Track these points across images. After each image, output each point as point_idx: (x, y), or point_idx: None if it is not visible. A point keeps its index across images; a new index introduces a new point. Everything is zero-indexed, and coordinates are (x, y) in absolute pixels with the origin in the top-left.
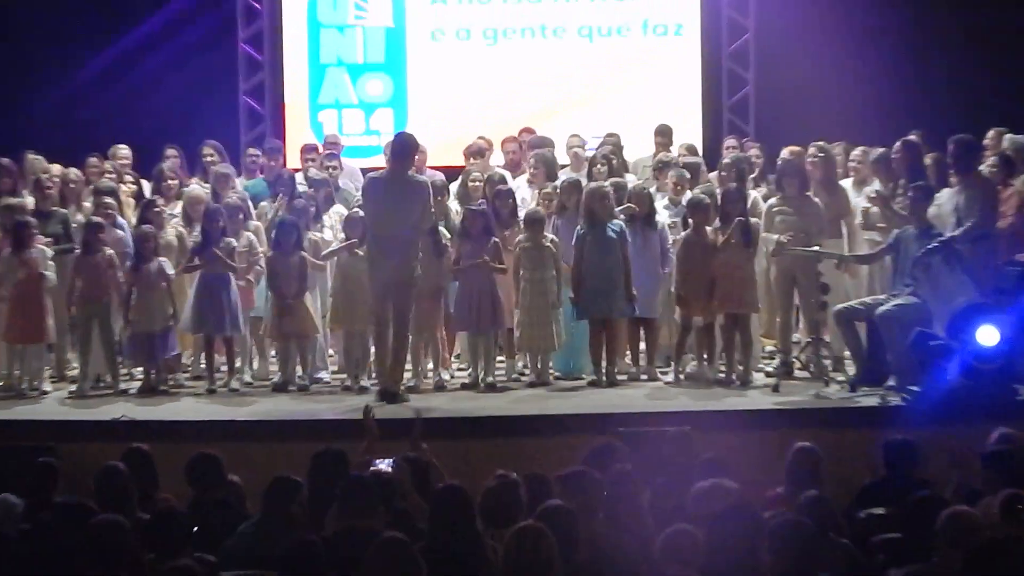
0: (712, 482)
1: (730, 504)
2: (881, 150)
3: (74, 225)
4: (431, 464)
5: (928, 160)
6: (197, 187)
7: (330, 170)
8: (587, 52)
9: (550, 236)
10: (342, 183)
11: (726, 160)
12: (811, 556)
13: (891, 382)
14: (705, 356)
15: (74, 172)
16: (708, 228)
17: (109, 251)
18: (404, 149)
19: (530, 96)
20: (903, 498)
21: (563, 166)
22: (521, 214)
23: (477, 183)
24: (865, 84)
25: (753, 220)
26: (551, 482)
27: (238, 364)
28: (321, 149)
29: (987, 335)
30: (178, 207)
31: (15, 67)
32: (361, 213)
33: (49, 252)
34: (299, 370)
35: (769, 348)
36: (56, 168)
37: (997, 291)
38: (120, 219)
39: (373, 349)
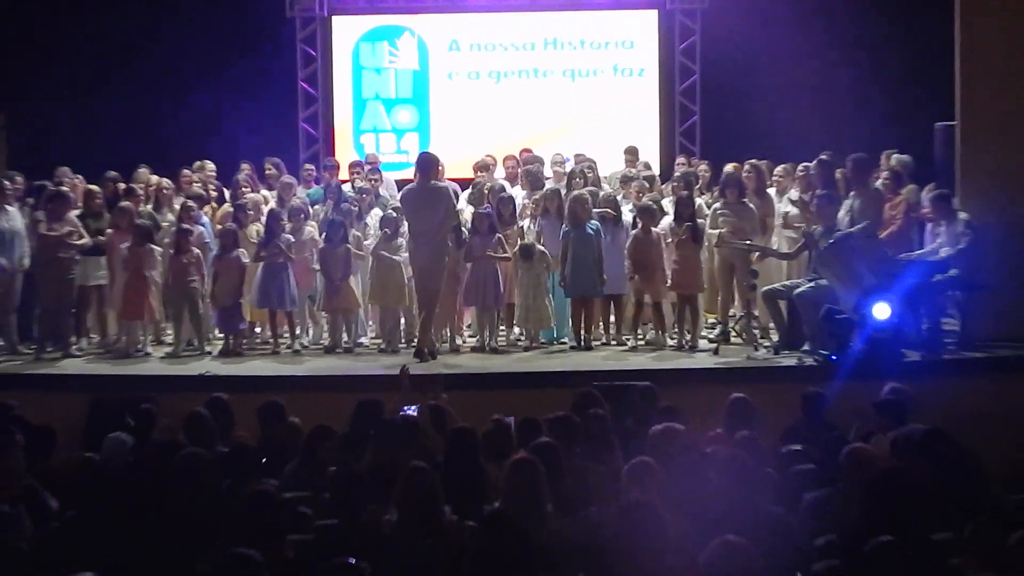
0: (666, 425)
1: (680, 442)
2: (802, 166)
3: (164, 224)
4: (447, 410)
5: (838, 174)
6: (254, 194)
7: (373, 182)
8: (570, 89)
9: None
10: (381, 191)
11: (678, 174)
12: (745, 482)
13: (806, 347)
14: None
15: (166, 181)
16: (653, 228)
17: (196, 250)
18: (428, 164)
19: (525, 123)
20: (816, 437)
21: (549, 178)
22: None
23: (484, 191)
24: (789, 113)
25: (699, 221)
26: (541, 424)
27: (297, 332)
28: (364, 165)
29: (881, 311)
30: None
31: (128, 95)
32: (394, 213)
33: (158, 249)
34: (344, 336)
35: (711, 320)
36: (153, 178)
37: (888, 277)
38: (204, 217)
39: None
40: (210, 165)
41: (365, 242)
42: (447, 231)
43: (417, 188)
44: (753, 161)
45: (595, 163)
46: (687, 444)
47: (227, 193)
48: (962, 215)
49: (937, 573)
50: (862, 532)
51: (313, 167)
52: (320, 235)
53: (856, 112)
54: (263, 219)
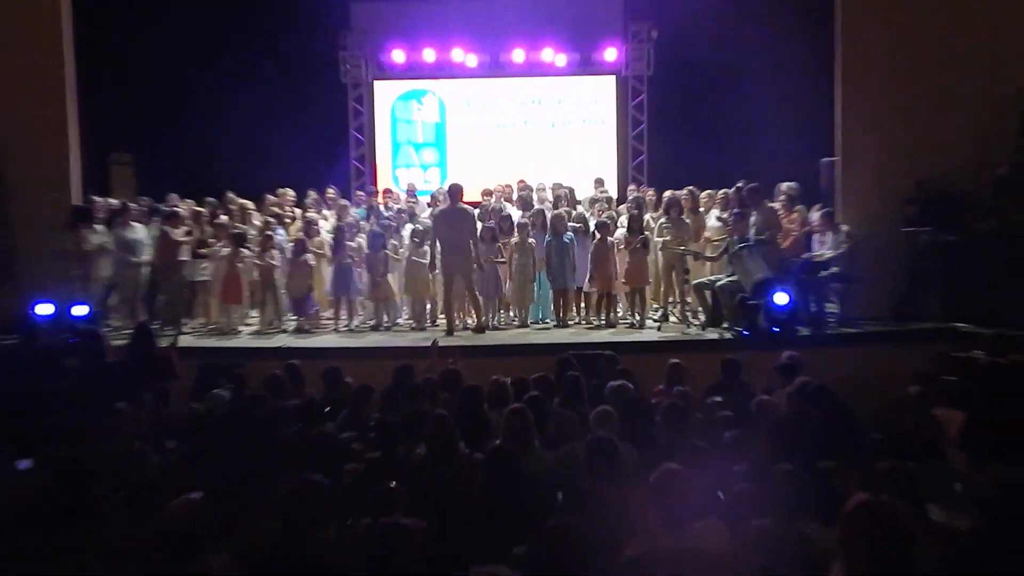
0: (621, 383)
1: (632, 395)
2: (722, 191)
3: (251, 234)
4: (460, 373)
5: (788, 188)
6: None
7: (411, 204)
8: (551, 135)
9: (531, 241)
10: (415, 210)
11: (631, 198)
12: (682, 424)
13: (725, 325)
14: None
15: (250, 203)
16: (609, 237)
17: (276, 253)
18: (456, 192)
19: (518, 161)
20: (732, 391)
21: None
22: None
23: (488, 211)
24: (713, 151)
25: (646, 233)
26: (529, 382)
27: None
28: (395, 192)
29: (781, 298)
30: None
31: (222, 138)
32: (421, 227)
33: (248, 252)
34: (384, 319)
35: (655, 306)
36: (240, 200)
37: (785, 273)
38: (280, 229)
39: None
40: (290, 192)
41: (400, 248)
42: (472, 239)
43: (449, 210)
44: (690, 188)
45: (572, 189)
46: (637, 397)
47: (298, 212)
48: (844, 227)
49: (823, 492)
50: (767, 462)
51: (363, 193)
52: (366, 243)
53: (763, 150)
54: (323, 232)
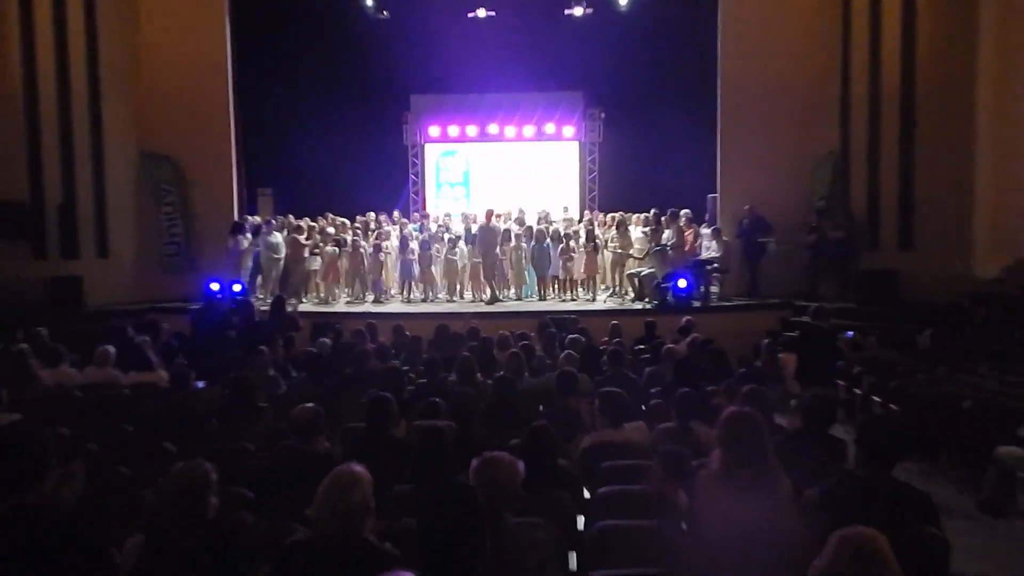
0: (578, 335)
1: (587, 344)
2: (646, 215)
3: (346, 239)
4: (478, 328)
5: (667, 216)
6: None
7: (446, 222)
8: (535, 179)
9: (523, 245)
10: (451, 225)
11: (587, 218)
12: (618, 362)
13: (646, 300)
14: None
15: (346, 220)
16: (572, 243)
17: (363, 252)
18: (488, 215)
19: (515, 194)
20: (650, 342)
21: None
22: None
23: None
24: (644, 190)
25: (596, 241)
26: (525, 334)
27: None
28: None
29: (682, 283)
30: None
31: (325, 180)
32: (454, 236)
33: (346, 250)
34: (429, 295)
35: (603, 287)
36: (339, 219)
37: (685, 267)
38: (362, 241)
39: (458, 287)
40: (372, 214)
41: (441, 250)
42: (497, 245)
43: (486, 225)
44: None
45: (548, 213)
46: (590, 344)
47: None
48: (725, 238)
49: (706, 405)
50: (672, 387)
51: (417, 215)
52: (418, 247)
53: (671, 186)
54: (391, 239)
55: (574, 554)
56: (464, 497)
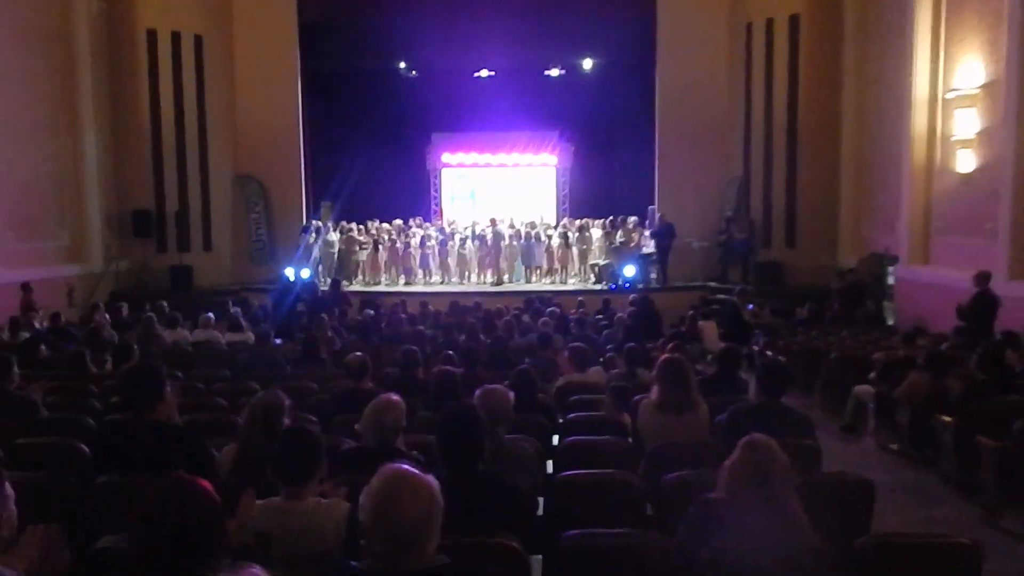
0: (553, 307)
1: (562, 314)
2: (606, 220)
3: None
4: (481, 303)
5: (619, 222)
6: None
7: (452, 227)
8: (523, 193)
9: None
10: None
11: (562, 223)
12: (582, 327)
13: (605, 282)
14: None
15: (385, 225)
16: (549, 241)
17: (395, 248)
18: (493, 221)
19: (507, 205)
20: (606, 312)
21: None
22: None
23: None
24: (605, 203)
25: (569, 240)
26: (511, 308)
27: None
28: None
29: (629, 270)
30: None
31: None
32: (463, 235)
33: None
34: (446, 279)
35: (574, 273)
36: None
37: (631, 260)
38: (397, 239)
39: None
40: (398, 221)
41: (454, 246)
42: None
43: (493, 230)
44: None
45: (534, 222)
46: (563, 314)
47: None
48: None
49: (647, 355)
50: (623, 343)
51: (437, 221)
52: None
53: (623, 198)
54: (417, 238)
55: (551, 462)
56: (469, 412)
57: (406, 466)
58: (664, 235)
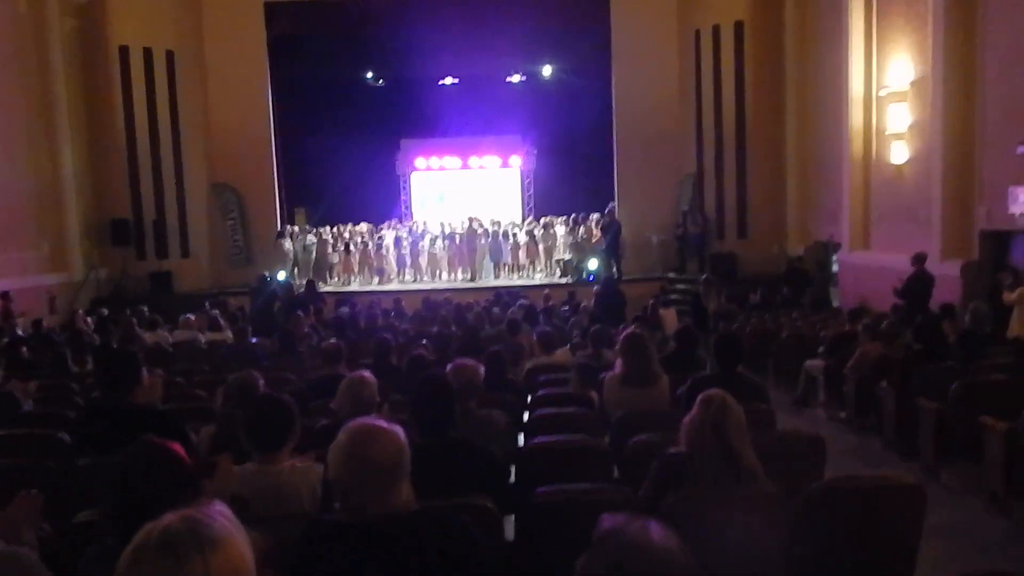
0: (523, 300)
1: (531, 305)
2: (563, 217)
3: (356, 240)
4: (452, 299)
5: (581, 219)
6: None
7: (424, 228)
8: (490, 195)
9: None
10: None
11: (528, 220)
12: (549, 315)
13: (569, 275)
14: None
15: (358, 227)
16: (517, 239)
17: (365, 249)
18: (471, 221)
19: (476, 206)
20: (571, 302)
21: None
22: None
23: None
24: (567, 202)
25: (536, 237)
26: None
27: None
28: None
29: (592, 264)
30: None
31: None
32: (432, 235)
33: (352, 250)
34: (417, 278)
35: (539, 268)
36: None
37: (594, 254)
38: (368, 240)
39: (438, 271)
40: (363, 225)
41: (425, 246)
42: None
43: (468, 230)
44: (565, 217)
45: (501, 221)
46: (531, 305)
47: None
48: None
49: (612, 336)
50: (588, 327)
51: (408, 222)
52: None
53: (583, 197)
54: (389, 239)
55: (521, 435)
56: (440, 380)
57: (372, 419)
58: (610, 230)
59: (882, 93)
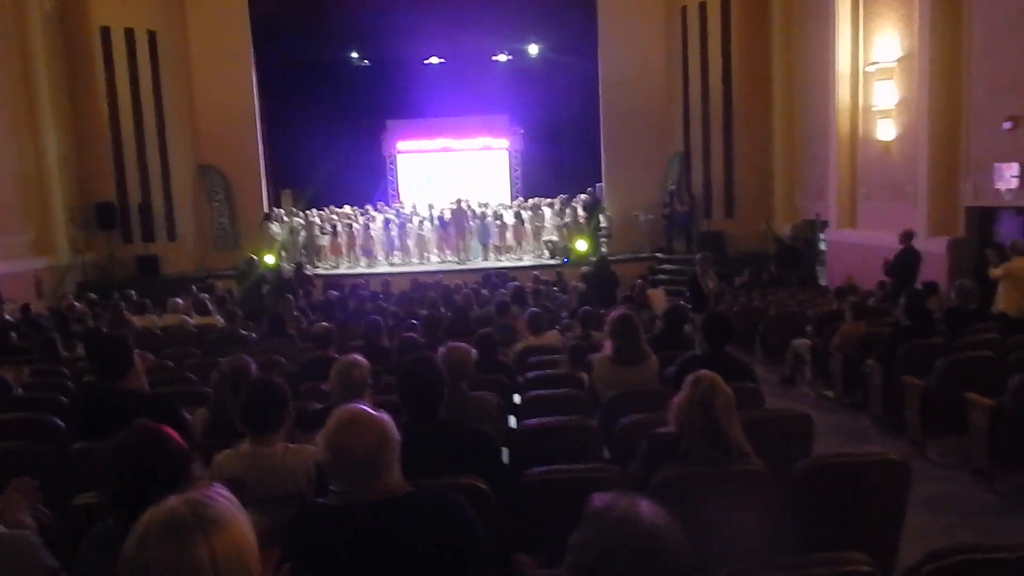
0: (513, 281)
1: (517, 287)
2: (551, 200)
3: (344, 223)
4: (442, 282)
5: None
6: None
7: (412, 211)
8: (478, 176)
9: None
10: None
11: (515, 202)
12: (538, 297)
13: (557, 256)
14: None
15: (344, 209)
16: (505, 221)
17: (353, 231)
18: (458, 202)
19: (464, 187)
20: (560, 283)
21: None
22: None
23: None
24: (554, 183)
25: (524, 219)
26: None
27: (393, 258)
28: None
29: (582, 245)
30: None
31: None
32: (419, 216)
33: (340, 232)
34: (405, 260)
35: (528, 251)
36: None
37: (582, 235)
38: (354, 223)
39: (426, 254)
40: (347, 207)
41: (412, 228)
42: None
43: (456, 210)
44: (553, 198)
45: (488, 203)
46: (520, 286)
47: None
48: (608, 213)
49: (600, 318)
50: (577, 309)
51: (395, 204)
52: (397, 226)
53: (570, 177)
54: (377, 221)
55: (512, 417)
56: (428, 361)
57: (359, 405)
58: (591, 208)
59: (869, 69)
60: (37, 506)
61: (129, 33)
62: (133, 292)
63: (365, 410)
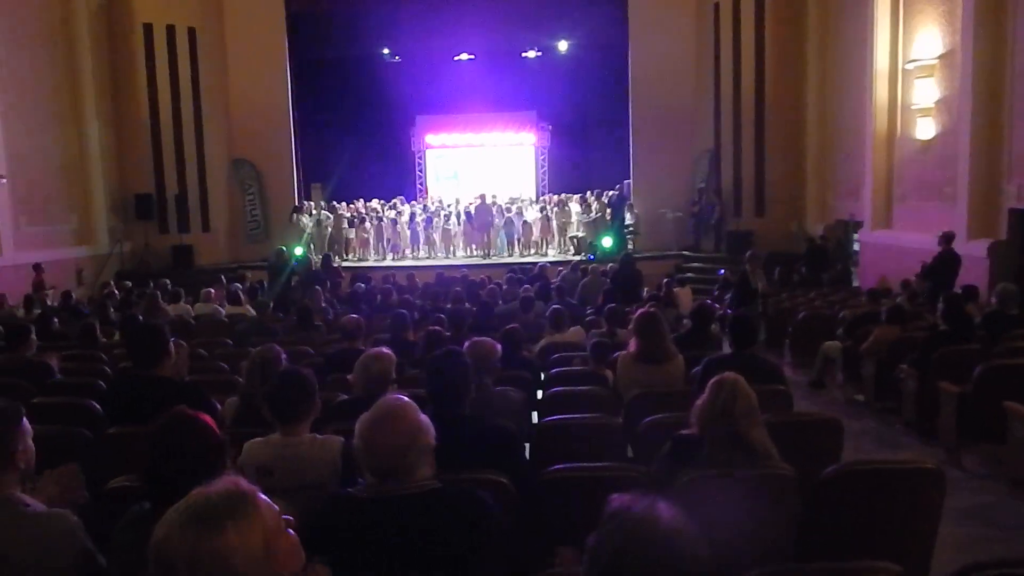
0: (538, 272)
1: (545, 279)
2: (578, 195)
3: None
4: (469, 275)
5: (595, 196)
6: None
7: (438, 205)
8: (505, 172)
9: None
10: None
11: (542, 199)
12: (561, 291)
13: (583, 252)
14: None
15: (372, 203)
16: (530, 216)
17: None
18: (483, 197)
19: (490, 183)
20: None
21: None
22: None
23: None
24: (581, 179)
25: (548, 214)
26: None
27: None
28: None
29: (607, 241)
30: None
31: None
32: (444, 209)
33: (367, 224)
34: (432, 255)
35: (553, 246)
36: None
37: (608, 232)
38: (383, 216)
39: (452, 248)
40: (375, 201)
41: (440, 223)
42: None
43: (481, 205)
44: (579, 194)
45: (515, 198)
46: (546, 276)
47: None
48: (636, 210)
49: (625, 316)
50: (603, 305)
51: (422, 199)
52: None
53: (597, 174)
54: (404, 216)
55: (535, 413)
56: (456, 356)
57: (400, 397)
58: (619, 205)
59: (908, 66)
60: (79, 490)
61: (170, 30)
62: (168, 281)
63: (403, 405)
